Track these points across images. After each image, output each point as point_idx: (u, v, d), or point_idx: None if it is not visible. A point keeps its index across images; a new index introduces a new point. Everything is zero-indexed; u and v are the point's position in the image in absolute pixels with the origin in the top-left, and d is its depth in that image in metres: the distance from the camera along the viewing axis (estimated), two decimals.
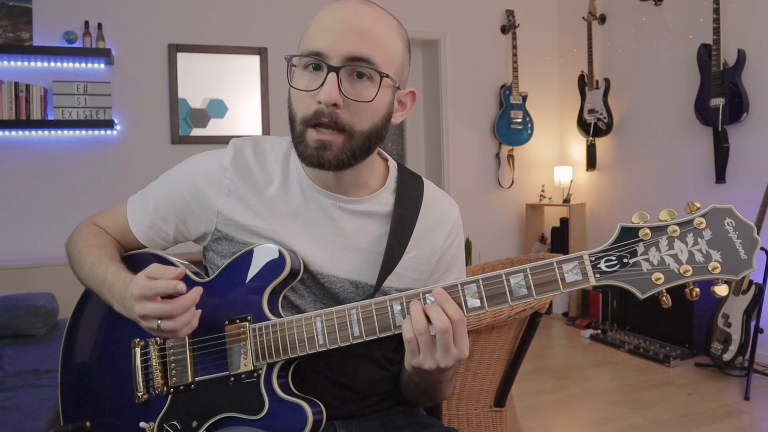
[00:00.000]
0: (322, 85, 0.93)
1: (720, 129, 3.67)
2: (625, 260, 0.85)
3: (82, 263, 1.08)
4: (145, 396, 1.06)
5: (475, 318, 1.68)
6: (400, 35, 1.01)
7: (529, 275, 0.88)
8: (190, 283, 1.08)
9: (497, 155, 4.98)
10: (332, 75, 0.93)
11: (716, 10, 3.59)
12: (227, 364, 1.01)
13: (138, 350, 1.07)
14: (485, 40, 4.92)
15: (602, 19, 4.65)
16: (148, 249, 1.14)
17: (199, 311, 0.96)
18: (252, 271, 1.03)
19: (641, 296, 0.85)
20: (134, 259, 1.13)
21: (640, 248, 0.85)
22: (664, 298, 0.84)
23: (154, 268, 0.95)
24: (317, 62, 0.95)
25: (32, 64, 3.74)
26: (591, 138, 4.70)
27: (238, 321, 1.01)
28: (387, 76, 0.97)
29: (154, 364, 1.05)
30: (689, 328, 3.66)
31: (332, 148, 0.96)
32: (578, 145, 4.97)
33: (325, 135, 0.96)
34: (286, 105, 1.03)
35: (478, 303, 0.90)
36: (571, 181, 4.87)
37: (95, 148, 3.90)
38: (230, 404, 1.00)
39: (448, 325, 0.88)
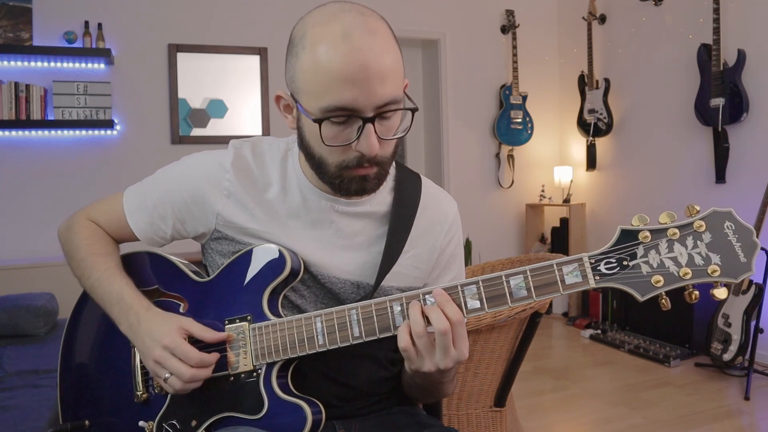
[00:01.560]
0: (358, 137, 0.92)
1: (720, 129, 3.67)
2: (625, 263, 0.85)
3: (88, 273, 1.08)
4: (144, 395, 1.06)
5: (475, 318, 1.68)
6: (396, 41, 0.97)
7: (529, 277, 0.88)
8: (190, 284, 1.09)
9: (497, 155, 4.98)
10: (369, 126, 0.91)
11: (716, 10, 3.59)
12: (226, 363, 1.01)
13: (137, 350, 1.08)
14: (485, 40, 4.92)
15: (602, 19, 4.65)
16: (145, 248, 1.14)
17: (200, 384, 0.99)
18: (252, 271, 1.03)
19: (641, 299, 0.85)
20: (133, 259, 1.14)
21: (640, 251, 0.85)
22: (663, 300, 0.84)
23: (195, 327, 0.99)
24: (349, 115, 0.91)
25: (32, 64, 3.74)
26: (591, 138, 4.70)
27: (237, 320, 1.01)
28: (415, 110, 0.98)
29: None
30: (689, 328, 3.66)
31: (371, 179, 0.98)
32: (578, 145, 4.97)
33: (363, 170, 0.96)
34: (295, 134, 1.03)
35: (477, 304, 0.90)
36: (571, 181, 4.87)
37: (95, 148, 3.90)
38: (229, 404, 1.01)
39: (448, 327, 0.88)
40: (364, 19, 0.90)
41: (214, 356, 0.97)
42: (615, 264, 0.86)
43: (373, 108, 0.90)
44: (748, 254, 0.82)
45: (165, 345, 0.95)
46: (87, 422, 1.11)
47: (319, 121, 0.91)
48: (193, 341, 0.99)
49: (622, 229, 0.86)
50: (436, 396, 1.14)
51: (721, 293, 0.82)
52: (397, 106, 0.94)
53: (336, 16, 0.90)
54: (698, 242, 0.83)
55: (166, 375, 0.95)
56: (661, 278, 0.84)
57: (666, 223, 0.85)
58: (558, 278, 0.87)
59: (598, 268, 0.86)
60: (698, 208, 0.84)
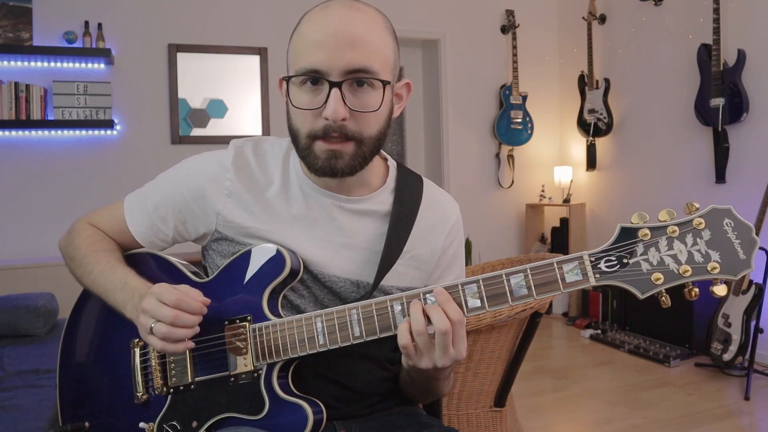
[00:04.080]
0: (326, 101, 0.93)
1: (720, 129, 3.67)
2: (625, 260, 0.85)
3: (89, 269, 1.08)
4: (144, 396, 1.06)
5: (475, 318, 1.68)
6: (389, 31, 1.00)
7: (530, 275, 0.88)
8: (189, 284, 1.07)
9: (497, 155, 4.98)
10: (335, 91, 0.92)
11: (716, 10, 3.59)
12: (227, 364, 1.01)
13: (137, 350, 1.07)
14: (485, 40, 4.92)
15: (602, 19, 4.66)
16: (146, 249, 1.14)
17: (192, 344, 0.96)
18: (251, 271, 1.03)
19: (641, 296, 0.85)
20: (133, 259, 1.13)
21: (640, 248, 0.85)
22: (663, 298, 0.84)
23: (186, 287, 0.96)
24: (316, 78, 0.94)
25: (32, 64, 3.74)
26: (591, 138, 4.70)
27: (238, 321, 1.01)
28: (388, 83, 0.98)
29: (153, 364, 1.05)
30: (689, 328, 3.66)
31: (343, 157, 0.97)
32: (578, 145, 4.97)
33: (334, 144, 0.96)
34: (285, 114, 1.04)
35: (478, 303, 0.90)
36: (571, 181, 4.87)
37: (95, 148, 3.90)
38: (230, 404, 1.00)
39: (449, 327, 0.88)
40: (352, 2, 0.96)
41: (194, 302, 0.94)
42: (615, 262, 0.86)
43: (339, 72, 0.93)
44: (747, 251, 0.82)
45: (152, 290, 0.94)
46: (87, 424, 1.11)
47: (287, 79, 0.97)
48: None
49: (622, 227, 0.86)
50: (432, 395, 1.14)
51: (720, 290, 0.82)
52: (371, 77, 0.95)
53: (329, 1, 0.97)
54: (698, 239, 0.83)
55: (152, 324, 0.92)
56: (661, 276, 0.84)
57: (665, 221, 0.85)
58: (558, 276, 0.87)
59: (598, 266, 0.86)
60: (697, 206, 0.84)
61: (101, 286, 1.06)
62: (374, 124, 0.98)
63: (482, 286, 0.90)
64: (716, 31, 3.60)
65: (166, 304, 0.92)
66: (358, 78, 0.94)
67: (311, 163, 0.99)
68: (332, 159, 0.97)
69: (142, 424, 1.05)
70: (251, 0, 4.24)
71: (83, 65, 3.85)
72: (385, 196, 1.09)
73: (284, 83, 1.02)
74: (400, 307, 0.92)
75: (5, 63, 3.69)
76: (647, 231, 0.85)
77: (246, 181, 1.06)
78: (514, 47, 4.86)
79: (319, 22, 0.94)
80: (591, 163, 4.79)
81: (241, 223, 1.06)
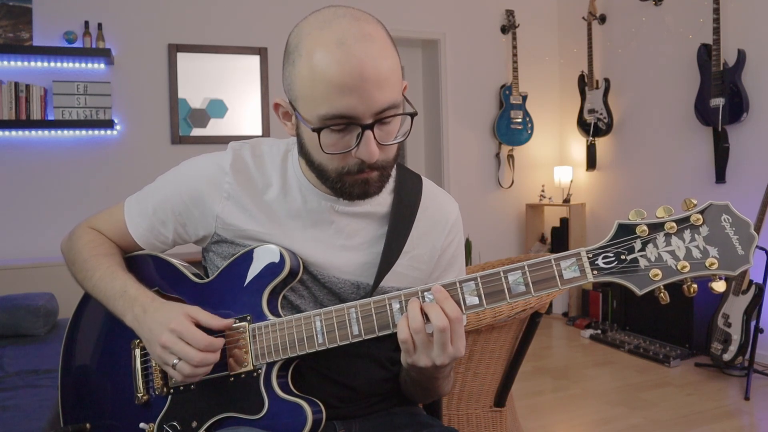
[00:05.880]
0: (358, 144, 0.91)
1: (720, 129, 3.67)
2: (623, 257, 0.85)
3: (90, 274, 1.08)
4: (145, 397, 1.06)
5: (475, 318, 1.68)
6: (394, 48, 0.96)
7: (527, 272, 0.88)
8: (190, 285, 1.09)
9: (497, 155, 4.98)
10: (368, 133, 0.91)
11: (716, 10, 3.59)
12: (227, 364, 1.01)
13: (138, 351, 1.08)
14: (485, 40, 4.93)
15: (602, 19, 4.66)
16: (146, 251, 1.14)
17: (206, 371, 0.97)
18: (251, 272, 1.03)
19: (639, 292, 0.85)
20: (133, 261, 1.13)
21: (638, 245, 0.85)
22: (662, 294, 0.84)
23: (201, 314, 0.97)
24: (347, 123, 0.91)
25: (32, 64, 3.74)
26: (591, 138, 4.70)
27: (237, 321, 1.01)
28: (414, 114, 0.96)
29: (154, 365, 1.05)
30: (689, 328, 3.66)
31: (374, 181, 0.98)
32: (578, 145, 4.97)
33: (365, 174, 0.96)
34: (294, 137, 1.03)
35: (476, 301, 0.90)
36: (571, 181, 4.87)
37: (95, 148, 3.90)
38: (230, 404, 1.01)
39: (447, 324, 0.88)
40: (359, 24, 0.90)
41: (220, 341, 0.97)
42: (613, 258, 0.86)
43: (371, 114, 0.90)
44: (745, 247, 0.82)
45: (172, 328, 0.94)
46: (88, 425, 1.11)
47: (317, 130, 0.91)
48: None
49: (620, 223, 0.86)
50: (431, 394, 1.14)
51: (719, 286, 0.82)
52: (396, 110, 0.93)
53: (330, 22, 0.90)
54: (696, 235, 0.83)
55: (174, 361, 0.93)
56: (659, 272, 0.84)
57: (663, 217, 0.85)
58: (556, 273, 0.87)
59: (596, 262, 0.86)
60: (695, 202, 0.84)
61: (101, 292, 1.06)
62: (396, 148, 0.99)
63: (480, 284, 0.90)
64: (716, 31, 3.60)
65: (190, 345, 0.93)
66: (387, 116, 0.92)
67: (346, 192, 0.99)
68: (365, 186, 0.98)
69: (142, 425, 1.05)
70: (251, 0, 4.24)
71: (83, 65, 3.85)
72: (384, 197, 1.09)
73: (293, 117, 0.99)
74: (398, 306, 0.93)
75: (5, 63, 3.69)
76: (645, 227, 0.85)
77: (244, 183, 1.06)
78: (514, 47, 4.86)
79: (340, 63, 0.87)
80: (591, 163, 4.79)
81: (241, 226, 1.06)
